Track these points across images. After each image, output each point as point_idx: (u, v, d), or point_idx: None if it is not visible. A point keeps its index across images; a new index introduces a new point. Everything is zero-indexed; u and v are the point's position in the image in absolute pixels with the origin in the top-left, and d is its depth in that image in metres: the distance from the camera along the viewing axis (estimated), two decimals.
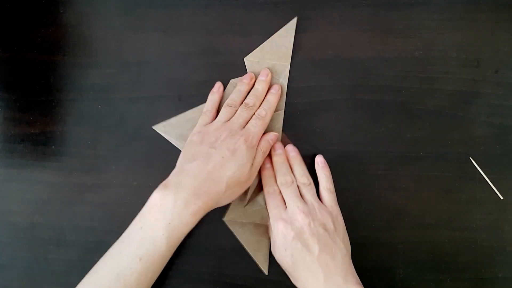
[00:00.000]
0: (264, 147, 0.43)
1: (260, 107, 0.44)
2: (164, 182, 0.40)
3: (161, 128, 0.46)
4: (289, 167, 0.44)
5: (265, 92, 0.45)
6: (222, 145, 0.41)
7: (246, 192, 0.45)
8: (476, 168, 0.46)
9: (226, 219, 0.45)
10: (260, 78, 0.45)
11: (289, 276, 0.42)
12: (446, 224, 0.45)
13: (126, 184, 0.46)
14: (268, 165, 0.45)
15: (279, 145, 0.45)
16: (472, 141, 0.46)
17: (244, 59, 0.46)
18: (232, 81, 0.46)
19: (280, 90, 0.46)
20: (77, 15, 0.47)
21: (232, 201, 0.44)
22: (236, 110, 0.44)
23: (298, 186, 0.43)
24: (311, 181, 0.44)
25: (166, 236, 0.37)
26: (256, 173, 0.43)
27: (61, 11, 0.47)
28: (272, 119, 0.45)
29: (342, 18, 0.47)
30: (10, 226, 0.46)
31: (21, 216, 0.46)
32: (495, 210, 0.45)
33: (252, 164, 0.42)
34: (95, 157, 0.46)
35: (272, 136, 0.44)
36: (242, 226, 0.45)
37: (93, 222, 0.46)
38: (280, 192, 0.43)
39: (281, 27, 0.46)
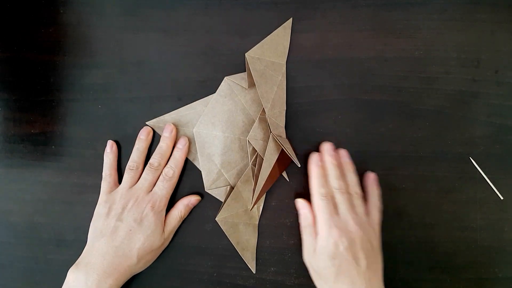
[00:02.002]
0: (182, 212, 0.43)
1: (167, 166, 0.44)
2: (77, 261, 0.41)
3: (154, 123, 0.46)
4: (342, 172, 0.43)
5: (170, 149, 0.44)
6: (129, 215, 0.41)
7: (237, 192, 0.45)
8: (476, 168, 0.46)
9: (218, 218, 0.45)
10: (164, 134, 0.44)
11: (323, 284, 0.40)
12: (446, 224, 0.45)
13: None
14: (320, 163, 0.43)
15: (330, 145, 0.43)
16: (472, 141, 0.46)
17: (246, 54, 0.45)
18: (226, 78, 0.46)
19: (187, 144, 0.44)
20: (77, 15, 0.47)
21: (225, 202, 0.45)
22: (140, 172, 0.44)
23: (351, 194, 0.42)
24: (362, 192, 0.43)
25: None
26: (171, 236, 0.44)
27: (61, 11, 0.48)
28: (275, 118, 0.44)
29: (342, 18, 0.47)
30: (10, 226, 0.46)
31: (21, 216, 0.46)
32: (495, 210, 0.45)
33: (164, 229, 0.42)
34: (95, 157, 0.46)
35: (193, 200, 0.44)
36: (232, 225, 0.45)
37: None
38: (331, 195, 0.42)
39: None
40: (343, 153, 0.44)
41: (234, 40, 0.46)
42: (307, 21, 0.47)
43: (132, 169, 0.43)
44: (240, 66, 0.46)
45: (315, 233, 0.41)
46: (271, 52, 0.46)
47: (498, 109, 0.46)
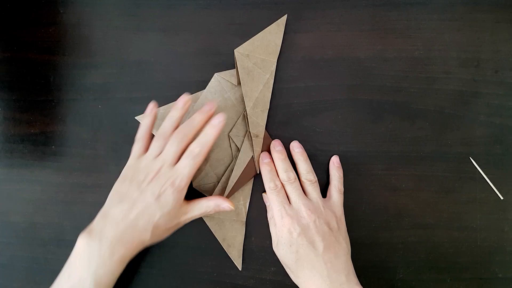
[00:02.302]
0: (210, 208, 0.41)
1: (195, 141, 0.40)
2: (89, 227, 0.40)
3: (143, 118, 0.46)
4: (290, 164, 0.44)
5: (202, 124, 0.41)
6: (148, 188, 0.39)
7: (224, 188, 0.45)
8: (476, 168, 0.46)
9: None
10: (204, 108, 0.41)
11: (290, 272, 0.42)
12: (446, 224, 0.45)
13: None
14: (267, 160, 0.44)
15: (277, 142, 0.45)
16: (472, 141, 0.46)
17: (235, 50, 0.45)
18: (216, 75, 0.46)
19: (223, 122, 0.40)
20: (77, 15, 0.47)
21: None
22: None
23: (302, 183, 0.43)
24: (316, 178, 0.44)
25: (93, 285, 0.37)
26: (187, 221, 0.42)
27: (61, 11, 0.48)
28: (256, 116, 0.45)
29: (342, 18, 0.47)
30: (10, 226, 0.46)
31: (21, 216, 0.46)
32: (495, 210, 0.45)
33: (183, 210, 0.40)
34: (95, 157, 0.46)
35: (224, 205, 0.41)
36: (218, 222, 0.45)
37: None
38: (282, 187, 0.43)
39: None
40: (294, 144, 0.45)
41: (234, 40, 0.46)
42: (307, 21, 0.47)
43: (161, 137, 0.41)
44: None
45: (275, 225, 0.43)
46: (261, 49, 0.46)
47: (498, 109, 0.46)
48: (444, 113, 0.46)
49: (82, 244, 0.39)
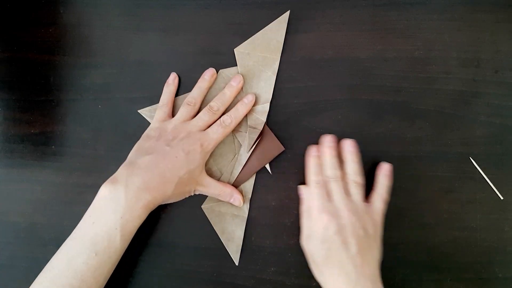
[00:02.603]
0: (224, 194, 0.44)
1: (227, 114, 0.44)
2: (112, 177, 0.40)
3: (146, 112, 0.46)
4: (339, 162, 0.43)
5: (232, 99, 0.45)
6: (178, 145, 0.41)
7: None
8: (476, 168, 0.46)
9: (204, 206, 0.45)
10: (231, 83, 0.45)
11: (315, 267, 0.41)
12: (446, 224, 0.45)
13: None
14: (316, 153, 0.44)
15: (330, 138, 0.44)
16: (472, 141, 0.46)
17: (235, 49, 0.46)
18: (221, 71, 0.46)
19: (253, 101, 0.45)
20: (77, 15, 0.47)
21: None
22: (196, 109, 0.44)
23: (347, 183, 0.43)
24: (364, 182, 0.43)
25: (119, 230, 0.38)
26: (197, 192, 0.43)
27: (61, 11, 0.48)
28: (256, 112, 0.45)
29: (342, 18, 0.47)
30: (10, 226, 0.46)
31: (21, 216, 0.46)
32: (495, 210, 0.45)
33: (200, 178, 0.43)
34: (95, 157, 0.46)
35: (236, 199, 0.44)
36: (219, 214, 0.45)
37: None
38: (325, 183, 0.42)
39: None
40: (347, 142, 0.44)
41: (234, 40, 0.46)
42: (307, 21, 0.47)
43: (190, 105, 0.44)
44: None
45: (310, 219, 0.42)
46: (262, 47, 0.46)
47: (498, 109, 0.46)
48: (444, 113, 0.46)
49: (108, 191, 0.39)
